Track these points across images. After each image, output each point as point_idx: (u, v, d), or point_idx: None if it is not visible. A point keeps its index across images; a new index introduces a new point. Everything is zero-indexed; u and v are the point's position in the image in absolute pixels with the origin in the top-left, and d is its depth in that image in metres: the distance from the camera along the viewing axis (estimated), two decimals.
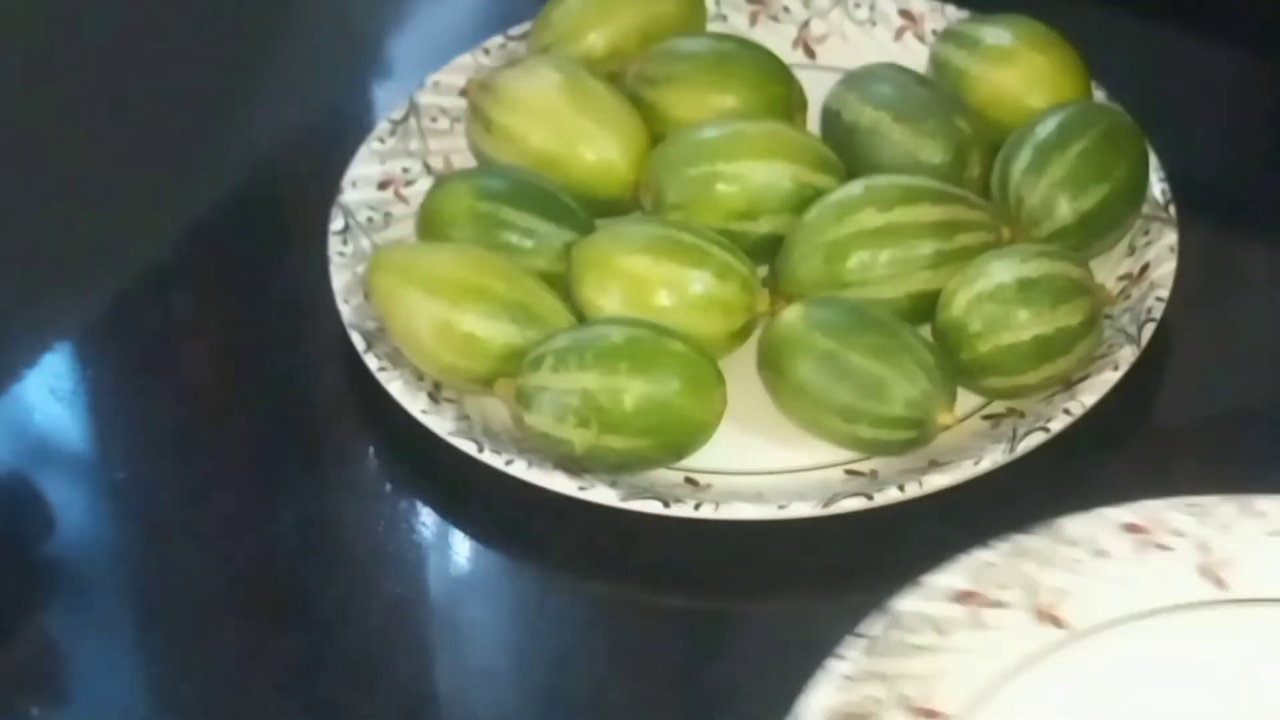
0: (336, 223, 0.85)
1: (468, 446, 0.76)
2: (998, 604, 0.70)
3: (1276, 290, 0.88)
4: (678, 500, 0.74)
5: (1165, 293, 0.81)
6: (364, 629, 0.74)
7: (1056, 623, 0.70)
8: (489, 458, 0.75)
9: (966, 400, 0.79)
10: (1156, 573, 0.71)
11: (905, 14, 0.95)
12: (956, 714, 0.67)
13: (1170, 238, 0.83)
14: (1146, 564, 0.71)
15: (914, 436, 0.76)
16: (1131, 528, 0.72)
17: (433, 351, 0.78)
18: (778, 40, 0.94)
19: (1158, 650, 0.69)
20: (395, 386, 0.78)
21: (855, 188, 0.81)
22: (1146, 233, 0.84)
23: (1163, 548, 0.71)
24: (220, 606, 0.75)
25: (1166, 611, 0.70)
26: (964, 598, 0.70)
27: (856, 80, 0.88)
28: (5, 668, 0.73)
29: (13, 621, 0.75)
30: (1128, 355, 0.79)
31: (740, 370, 0.79)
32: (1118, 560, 0.71)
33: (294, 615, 0.75)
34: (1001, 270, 0.77)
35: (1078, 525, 0.72)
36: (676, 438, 0.76)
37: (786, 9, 0.96)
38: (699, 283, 0.78)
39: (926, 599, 0.70)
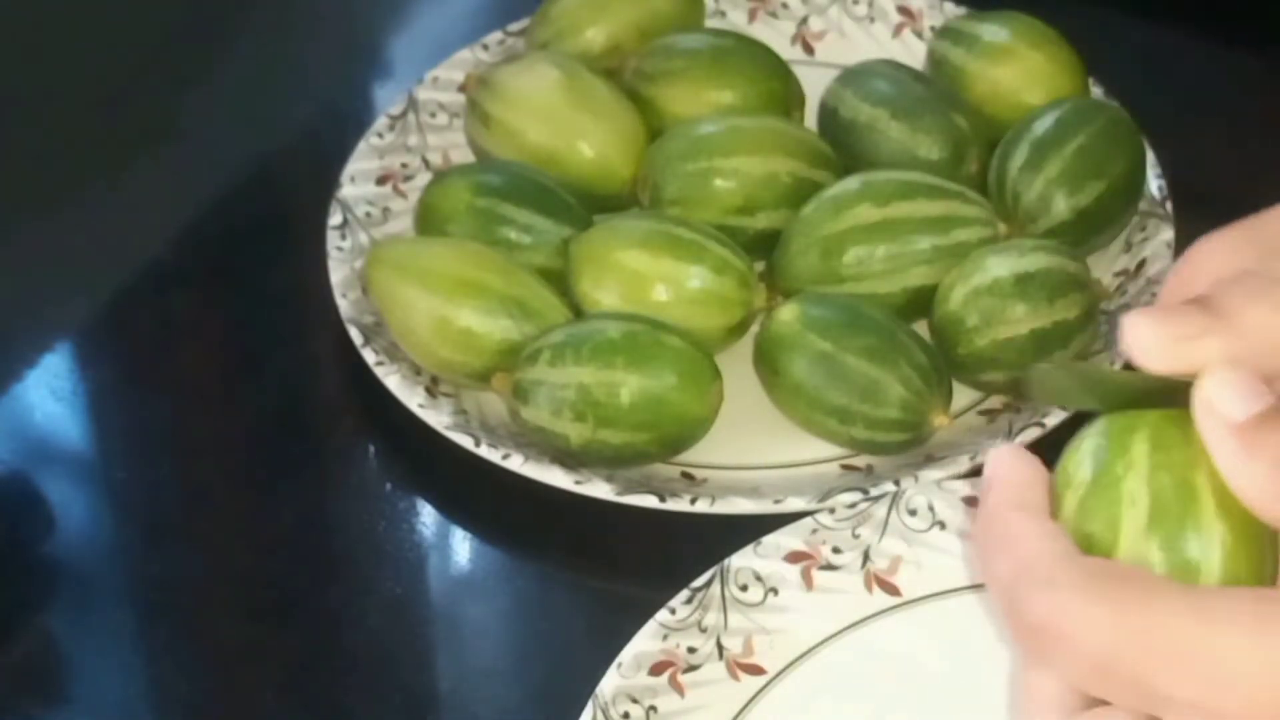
0: (335, 217, 0.85)
1: (465, 441, 0.76)
2: (830, 566, 0.71)
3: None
4: (674, 495, 0.74)
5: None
6: (364, 629, 0.74)
7: (887, 589, 0.70)
8: (486, 452, 0.75)
9: (963, 395, 0.79)
10: None
11: (903, 10, 0.95)
12: (777, 671, 0.68)
13: (1167, 234, 0.83)
14: None
15: (909, 438, 0.76)
16: (971, 500, 0.72)
17: (430, 346, 0.78)
18: (776, 36, 0.95)
19: (984, 623, 0.69)
20: (393, 381, 0.78)
21: (852, 183, 0.81)
22: (1143, 229, 0.84)
23: None
24: (220, 606, 0.75)
25: None
26: (797, 558, 0.71)
27: (854, 76, 0.88)
28: (5, 668, 0.73)
29: (13, 621, 0.75)
30: (1125, 351, 0.78)
31: (737, 365, 0.79)
32: (953, 533, 0.72)
33: (294, 615, 0.75)
34: (998, 265, 0.77)
35: (920, 495, 0.72)
36: (673, 432, 0.76)
37: (785, 5, 0.96)
38: (696, 278, 0.78)
39: (759, 556, 0.71)
